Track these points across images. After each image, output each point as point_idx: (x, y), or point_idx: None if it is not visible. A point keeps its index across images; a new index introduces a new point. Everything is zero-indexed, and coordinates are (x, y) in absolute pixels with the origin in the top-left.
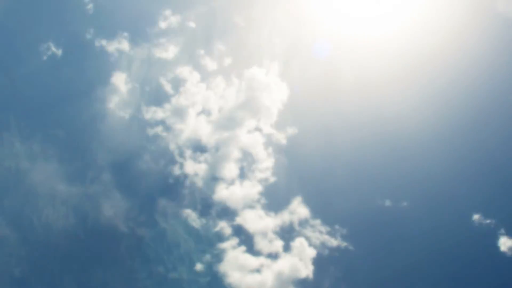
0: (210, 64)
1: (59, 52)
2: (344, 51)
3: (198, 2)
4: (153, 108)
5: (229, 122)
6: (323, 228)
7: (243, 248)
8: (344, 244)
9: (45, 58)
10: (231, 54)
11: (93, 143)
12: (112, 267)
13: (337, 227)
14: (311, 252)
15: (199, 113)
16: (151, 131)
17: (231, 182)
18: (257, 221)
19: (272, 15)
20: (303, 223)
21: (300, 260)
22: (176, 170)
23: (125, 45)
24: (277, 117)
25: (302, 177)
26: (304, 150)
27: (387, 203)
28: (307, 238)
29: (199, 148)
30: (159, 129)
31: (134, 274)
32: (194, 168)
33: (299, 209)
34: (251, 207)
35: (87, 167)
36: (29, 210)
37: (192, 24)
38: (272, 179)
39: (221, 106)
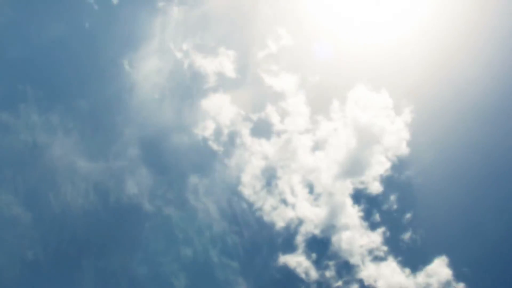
0: (321, 90)
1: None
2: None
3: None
4: (260, 141)
5: (347, 159)
6: None
7: None
8: None
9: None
10: (341, 74)
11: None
12: (134, 250)
13: None
14: None
15: (312, 148)
16: (256, 166)
17: (353, 229)
18: (386, 277)
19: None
20: (445, 286)
21: None
22: (289, 213)
23: (227, 65)
24: (402, 148)
25: (439, 225)
26: (442, 191)
27: None
28: None
29: (312, 188)
30: (263, 164)
31: (159, 257)
32: (309, 212)
33: (440, 268)
34: (379, 259)
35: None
36: (45, 188)
37: (306, 45)
38: (406, 231)
39: (337, 139)
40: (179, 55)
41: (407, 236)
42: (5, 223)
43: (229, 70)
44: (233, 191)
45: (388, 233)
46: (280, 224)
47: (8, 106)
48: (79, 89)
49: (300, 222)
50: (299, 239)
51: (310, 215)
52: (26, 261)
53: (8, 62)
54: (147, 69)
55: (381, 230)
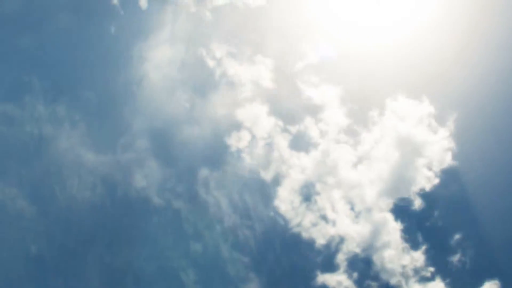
0: (361, 101)
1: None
2: None
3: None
4: (298, 154)
5: (389, 174)
6: None
7: None
8: None
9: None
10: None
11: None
12: (142, 245)
13: None
14: None
15: (353, 162)
16: (295, 180)
17: (396, 248)
18: None
19: None
20: None
21: None
22: (329, 230)
23: (265, 75)
24: (448, 160)
25: (491, 246)
26: (494, 207)
27: None
28: None
29: (353, 205)
30: (302, 178)
31: (167, 252)
32: (350, 230)
33: None
34: (425, 280)
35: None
36: (51, 181)
37: (345, 56)
38: (455, 250)
39: (377, 152)
40: (212, 63)
41: (455, 256)
42: (9, 217)
43: (266, 79)
44: (269, 206)
45: (434, 253)
46: (320, 241)
47: (13, 97)
48: (87, 80)
49: (341, 239)
50: (340, 257)
51: (351, 232)
52: (30, 256)
53: (14, 52)
54: (173, 74)
55: (426, 249)
